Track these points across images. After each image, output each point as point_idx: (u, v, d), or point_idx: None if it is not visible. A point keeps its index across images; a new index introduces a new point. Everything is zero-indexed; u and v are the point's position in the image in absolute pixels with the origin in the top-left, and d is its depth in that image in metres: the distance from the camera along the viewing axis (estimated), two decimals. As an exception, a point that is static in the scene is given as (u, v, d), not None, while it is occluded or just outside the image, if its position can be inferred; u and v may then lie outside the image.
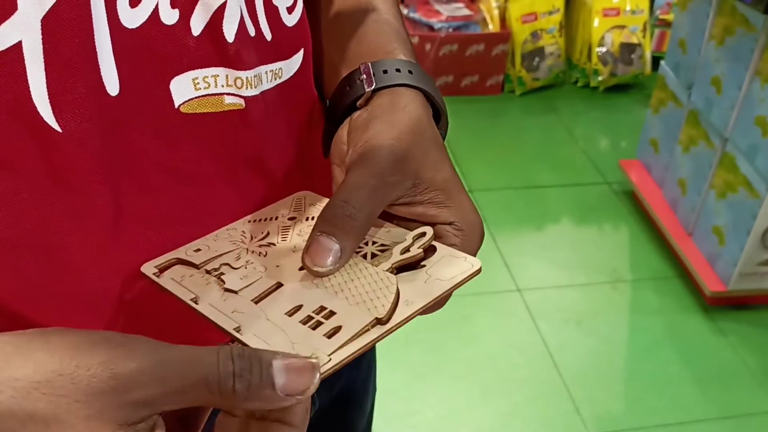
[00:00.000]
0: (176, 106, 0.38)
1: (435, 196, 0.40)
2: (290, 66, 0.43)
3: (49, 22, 0.32)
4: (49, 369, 0.26)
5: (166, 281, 0.37)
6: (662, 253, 1.97)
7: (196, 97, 0.38)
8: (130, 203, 0.38)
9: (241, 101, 0.40)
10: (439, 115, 0.45)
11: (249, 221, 0.43)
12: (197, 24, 0.37)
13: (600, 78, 2.72)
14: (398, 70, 0.43)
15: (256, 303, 0.35)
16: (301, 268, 0.37)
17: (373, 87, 0.43)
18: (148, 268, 0.39)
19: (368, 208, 0.38)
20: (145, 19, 0.35)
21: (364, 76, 0.43)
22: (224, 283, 0.37)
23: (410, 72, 0.43)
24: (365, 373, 0.65)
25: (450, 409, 1.54)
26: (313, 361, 0.30)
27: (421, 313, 0.35)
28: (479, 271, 0.37)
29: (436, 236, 0.40)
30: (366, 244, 0.39)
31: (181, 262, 0.39)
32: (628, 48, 2.70)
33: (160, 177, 0.38)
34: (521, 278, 1.87)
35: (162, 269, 0.38)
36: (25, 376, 0.26)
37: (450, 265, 0.37)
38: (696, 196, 1.84)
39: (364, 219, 0.37)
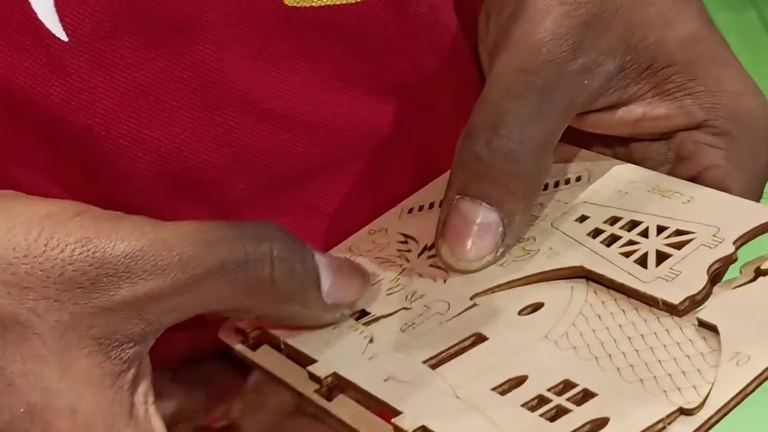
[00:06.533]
0: None
1: (666, 77, 0.25)
2: None
3: None
4: (8, 247, 0.20)
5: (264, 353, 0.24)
6: None
7: None
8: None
9: None
10: None
11: (399, 216, 0.28)
12: None
13: None
14: None
15: (433, 368, 0.22)
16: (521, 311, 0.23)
17: None
18: (228, 336, 0.25)
19: (538, 134, 0.23)
20: None
21: None
22: (372, 338, 0.24)
23: None
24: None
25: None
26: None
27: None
28: None
29: (680, 154, 0.25)
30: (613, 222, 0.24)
31: None
32: None
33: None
34: None
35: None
36: None
37: None
38: None
39: (539, 156, 0.24)
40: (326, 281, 0.23)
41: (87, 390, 0.20)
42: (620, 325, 0.22)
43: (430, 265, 0.26)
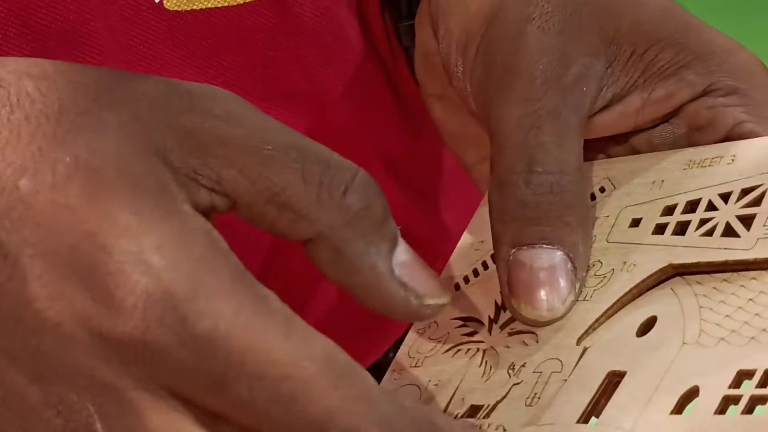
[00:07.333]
0: None
1: (653, 57, 0.24)
2: None
3: None
4: None
5: None
6: None
7: None
8: None
9: None
10: None
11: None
12: None
13: None
14: None
15: (596, 416, 0.19)
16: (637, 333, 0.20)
17: None
18: None
19: (569, 157, 0.22)
20: None
21: None
22: (503, 427, 0.20)
23: None
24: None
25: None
26: None
27: None
28: None
29: (696, 125, 0.24)
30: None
31: None
32: None
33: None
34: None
35: None
36: None
37: None
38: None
39: (578, 179, 0.22)
40: (402, 254, 0.18)
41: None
42: (751, 300, 0.19)
43: (510, 334, 0.22)
